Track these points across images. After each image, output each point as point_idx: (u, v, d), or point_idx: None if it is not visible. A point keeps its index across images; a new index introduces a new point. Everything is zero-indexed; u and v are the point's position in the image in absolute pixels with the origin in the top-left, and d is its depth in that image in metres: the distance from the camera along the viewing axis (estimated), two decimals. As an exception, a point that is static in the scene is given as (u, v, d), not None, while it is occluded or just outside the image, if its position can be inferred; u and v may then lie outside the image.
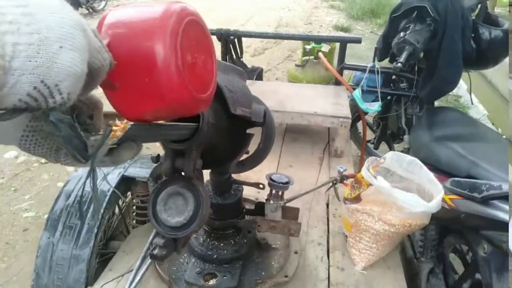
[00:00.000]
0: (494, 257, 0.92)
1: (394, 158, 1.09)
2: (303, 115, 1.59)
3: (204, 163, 0.69)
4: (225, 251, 0.98)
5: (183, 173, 0.67)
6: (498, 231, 0.88)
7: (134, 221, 1.33)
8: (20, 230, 2.06)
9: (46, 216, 2.05)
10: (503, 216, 0.85)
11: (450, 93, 3.10)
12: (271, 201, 0.98)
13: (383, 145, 2.46)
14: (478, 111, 3.76)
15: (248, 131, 0.85)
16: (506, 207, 0.86)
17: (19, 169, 2.54)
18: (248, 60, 4.69)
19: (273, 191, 0.99)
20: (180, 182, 0.67)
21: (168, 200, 0.67)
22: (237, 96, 0.76)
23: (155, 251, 0.67)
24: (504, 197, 0.86)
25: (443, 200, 0.98)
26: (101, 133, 0.42)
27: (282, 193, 1.00)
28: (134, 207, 1.32)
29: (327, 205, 1.34)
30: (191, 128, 0.63)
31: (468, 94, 2.12)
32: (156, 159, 0.71)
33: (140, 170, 1.19)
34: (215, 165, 0.90)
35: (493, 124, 3.60)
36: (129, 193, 1.35)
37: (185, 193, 0.66)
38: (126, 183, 1.22)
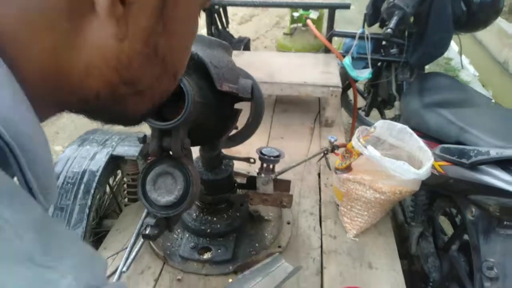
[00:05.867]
0: (481, 220, 0.94)
1: (385, 127, 1.09)
2: (292, 85, 1.56)
3: (193, 140, 0.68)
4: (219, 225, 0.99)
5: (171, 153, 0.67)
6: (485, 195, 0.90)
7: (126, 199, 1.33)
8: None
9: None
10: (490, 180, 0.87)
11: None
12: (262, 175, 0.99)
13: (375, 112, 2.45)
14: (469, 73, 3.75)
15: (236, 106, 0.84)
16: (494, 171, 0.87)
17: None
18: (235, 28, 4.57)
19: (264, 165, 0.99)
20: (169, 161, 0.66)
21: (157, 179, 0.67)
22: (222, 71, 0.74)
23: (147, 231, 0.67)
24: (491, 162, 0.88)
25: (433, 166, 0.99)
26: None
27: (273, 166, 1.00)
28: (125, 185, 1.31)
29: (319, 175, 1.34)
30: None
31: (459, 56, 2.10)
32: (143, 139, 0.70)
33: (128, 149, 1.18)
34: (204, 142, 0.89)
35: (483, 86, 3.61)
36: (119, 171, 1.34)
37: (174, 172, 0.66)
38: (115, 162, 1.21)
